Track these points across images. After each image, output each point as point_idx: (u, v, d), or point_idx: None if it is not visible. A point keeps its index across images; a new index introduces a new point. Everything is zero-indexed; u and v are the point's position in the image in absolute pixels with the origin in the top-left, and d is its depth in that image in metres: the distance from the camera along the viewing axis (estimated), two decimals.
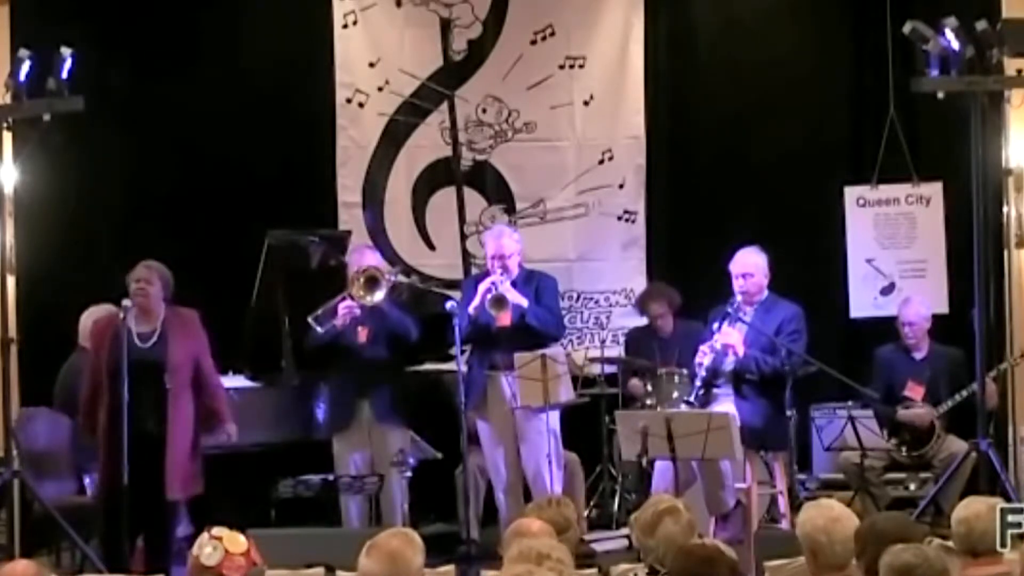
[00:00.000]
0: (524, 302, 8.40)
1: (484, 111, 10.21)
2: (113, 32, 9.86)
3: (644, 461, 7.92)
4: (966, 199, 8.50)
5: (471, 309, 8.40)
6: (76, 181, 9.81)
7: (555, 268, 9.35)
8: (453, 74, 10.23)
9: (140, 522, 7.56)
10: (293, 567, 5.97)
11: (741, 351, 8.16)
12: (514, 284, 8.46)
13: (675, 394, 8.30)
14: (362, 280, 8.43)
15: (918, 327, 9.10)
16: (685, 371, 8.35)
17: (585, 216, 10.21)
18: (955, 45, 7.76)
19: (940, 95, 7.85)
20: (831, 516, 4.85)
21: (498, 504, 8.64)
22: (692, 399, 8.10)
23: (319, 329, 8.41)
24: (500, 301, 8.36)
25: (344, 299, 8.45)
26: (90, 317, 8.46)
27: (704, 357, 8.17)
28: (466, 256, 10.22)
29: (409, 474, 8.41)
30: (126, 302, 7.65)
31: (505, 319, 8.38)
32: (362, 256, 8.69)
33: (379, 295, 8.42)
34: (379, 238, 9.94)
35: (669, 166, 10.24)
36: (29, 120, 8.04)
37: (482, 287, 8.42)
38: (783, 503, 8.35)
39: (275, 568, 5.20)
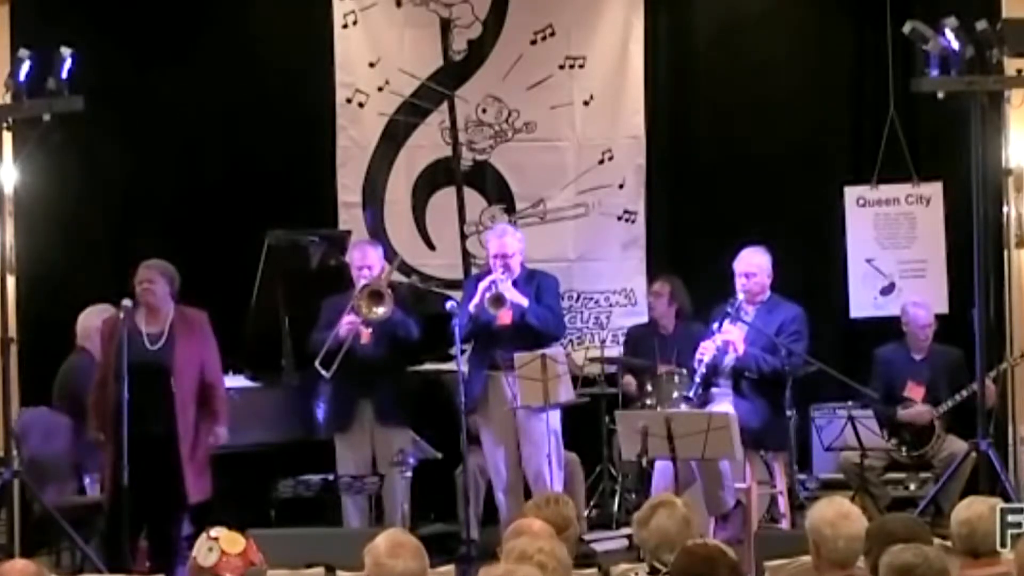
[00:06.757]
0: (524, 301, 8.39)
1: (484, 111, 10.20)
2: (113, 32, 9.85)
3: (644, 461, 7.92)
4: (966, 199, 8.51)
5: (471, 307, 8.40)
6: (76, 181, 9.80)
7: (555, 268, 9.34)
8: (453, 74, 10.22)
9: (144, 523, 7.57)
10: (293, 567, 5.97)
11: (741, 348, 8.17)
12: (515, 283, 8.45)
13: (675, 394, 8.31)
14: (365, 296, 8.42)
15: (928, 330, 9.11)
16: (685, 371, 8.36)
17: (585, 216, 10.20)
18: (955, 45, 7.77)
19: (940, 95, 7.86)
20: (840, 511, 4.85)
21: (498, 504, 8.64)
22: (691, 395, 8.10)
23: (326, 373, 8.42)
24: (498, 299, 8.35)
25: (349, 311, 8.43)
26: (88, 318, 8.47)
27: (705, 353, 8.17)
28: (466, 256, 10.21)
29: (409, 474, 8.41)
30: (126, 302, 7.67)
31: (505, 317, 8.37)
32: (364, 254, 8.66)
33: (383, 310, 8.41)
34: (379, 238, 9.89)
35: (669, 166, 10.23)
36: (29, 120, 8.05)
37: (482, 285, 8.42)
38: (783, 503, 8.35)
39: (275, 568, 5.20)
